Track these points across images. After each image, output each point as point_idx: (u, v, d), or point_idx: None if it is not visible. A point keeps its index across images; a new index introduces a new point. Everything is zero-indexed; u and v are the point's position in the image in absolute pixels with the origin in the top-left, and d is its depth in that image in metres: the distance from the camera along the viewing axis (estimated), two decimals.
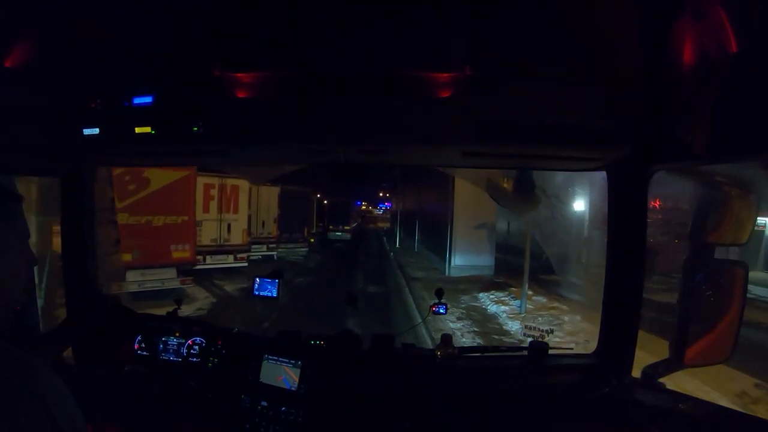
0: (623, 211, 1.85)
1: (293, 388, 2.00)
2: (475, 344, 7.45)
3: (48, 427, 0.85)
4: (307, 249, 21.71)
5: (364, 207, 59.22)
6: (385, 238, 35.60)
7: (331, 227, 30.32)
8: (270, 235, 18.46)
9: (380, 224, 54.61)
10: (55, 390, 0.91)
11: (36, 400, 0.85)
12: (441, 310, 2.35)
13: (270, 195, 18.56)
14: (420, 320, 9.16)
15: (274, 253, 18.54)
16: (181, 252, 11.88)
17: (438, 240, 18.73)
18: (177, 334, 2.22)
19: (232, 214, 15.03)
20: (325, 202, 31.10)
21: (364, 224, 50.88)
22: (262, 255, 17.81)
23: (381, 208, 65.15)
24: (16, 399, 0.83)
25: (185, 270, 11.97)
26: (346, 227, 30.93)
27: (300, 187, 21.10)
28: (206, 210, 14.13)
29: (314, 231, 25.52)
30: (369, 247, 28.92)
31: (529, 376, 2.02)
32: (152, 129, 1.74)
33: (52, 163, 2.01)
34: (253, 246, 16.81)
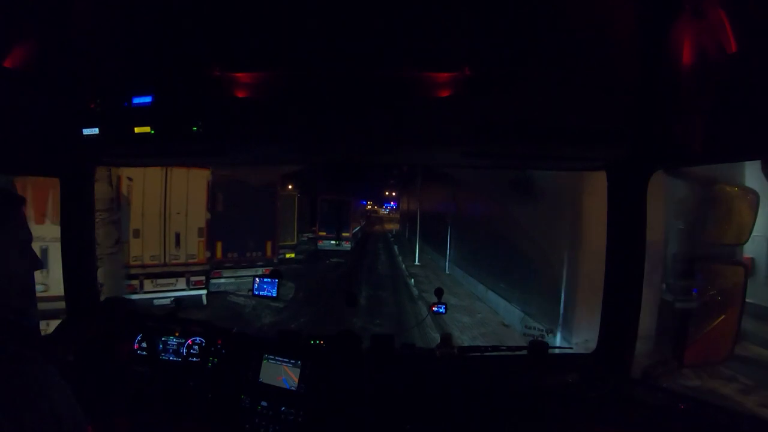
0: (622, 211, 1.85)
1: (293, 388, 2.00)
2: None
3: (53, 427, 0.86)
4: None
5: (369, 207, 56.17)
6: (396, 247, 26.39)
7: (323, 234, 22.22)
8: (193, 261, 10.27)
9: (387, 225, 46.23)
10: (61, 391, 0.91)
11: (44, 401, 0.86)
12: (440, 310, 2.38)
13: (192, 186, 10.22)
14: None
15: (203, 291, 10.47)
16: None
17: (521, 275, 9.39)
18: (177, 334, 2.22)
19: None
20: (318, 200, 23.10)
21: (369, 226, 41.99)
22: (177, 295, 9.65)
23: (386, 207, 63.66)
24: (25, 399, 0.83)
25: None
26: (344, 234, 22.18)
27: (259, 175, 12.38)
28: None
29: (294, 242, 17.63)
30: (376, 267, 18.90)
31: (529, 376, 2.02)
32: (152, 129, 1.75)
33: (52, 163, 2.01)
34: (160, 282, 9.76)
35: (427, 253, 21.45)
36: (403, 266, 19.07)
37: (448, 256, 17.58)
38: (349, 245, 22.29)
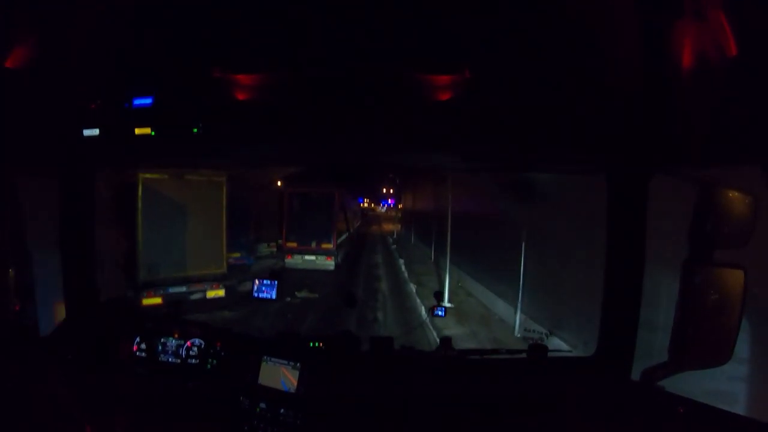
0: (622, 213, 1.86)
1: (292, 390, 1.99)
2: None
3: (53, 427, 0.86)
4: None
5: (365, 204, 53.08)
6: (402, 263, 16.58)
7: (293, 246, 14.24)
8: None
9: (386, 226, 36.27)
10: (61, 392, 0.92)
11: (43, 401, 0.87)
12: (440, 313, 2.40)
13: None
14: None
15: None
16: None
17: None
18: (176, 336, 2.22)
19: None
20: (285, 194, 14.66)
21: (366, 226, 34.09)
22: None
23: (384, 205, 62.09)
24: (24, 399, 0.84)
25: None
26: (325, 245, 14.21)
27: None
28: None
29: (221, 270, 9.93)
30: (375, 319, 9.60)
31: (529, 379, 2.02)
32: (152, 130, 1.75)
33: (52, 163, 2.01)
34: None
35: (454, 276, 12.34)
36: (425, 315, 9.20)
37: (519, 305, 8.45)
38: (333, 262, 14.19)
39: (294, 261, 14.06)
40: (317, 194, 14.42)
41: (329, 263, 14.19)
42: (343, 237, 16.10)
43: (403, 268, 15.96)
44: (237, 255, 11.80)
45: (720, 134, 1.36)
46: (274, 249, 15.62)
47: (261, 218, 14.09)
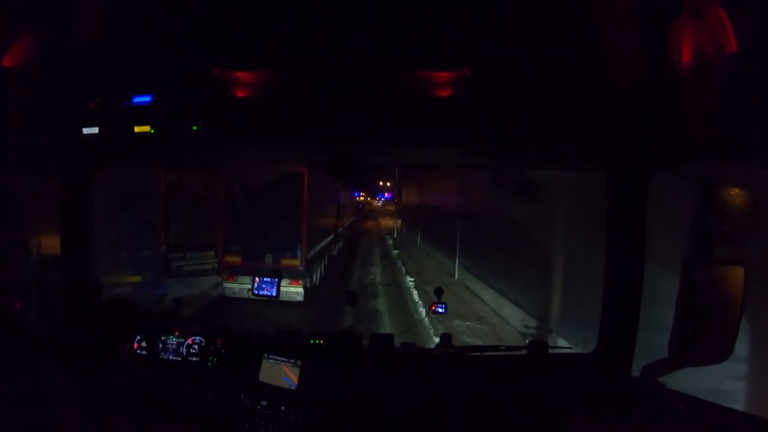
0: (623, 211, 1.85)
1: (293, 388, 2.00)
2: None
3: (54, 426, 0.86)
4: None
5: (361, 198, 46.71)
6: (411, 284, 11.72)
7: (235, 262, 8.73)
8: None
9: (383, 222, 33.11)
10: (61, 391, 0.92)
11: (44, 400, 0.87)
12: (440, 310, 2.39)
13: None
14: None
15: None
16: None
17: None
18: (176, 334, 2.22)
19: None
20: (227, 180, 9.02)
21: (361, 222, 30.98)
22: None
23: (380, 199, 60.82)
24: (25, 399, 0.84)
25: None
26: (287, 261, 8.70)
27: None
28: None
29: (122, 287, 7.03)
30: None
31: (529, 376, 2.02)
32: (151, 128, 1.75)
33: (52, 162, 2.01)
34: None
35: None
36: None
37: None
38: (301, 288, 8.82)
39: (237, 286, 8.43)
40: (275, 178, 8.95)
41: (295, 290, 8.68)
42: (326, 241, 11.60)
43: (415, 296, 10.54)
44: (137, 279, 7.81)
45: (720, 132, 1.36)
46: (214, 263, 10.47)
47: (206, 214, 9.35)
